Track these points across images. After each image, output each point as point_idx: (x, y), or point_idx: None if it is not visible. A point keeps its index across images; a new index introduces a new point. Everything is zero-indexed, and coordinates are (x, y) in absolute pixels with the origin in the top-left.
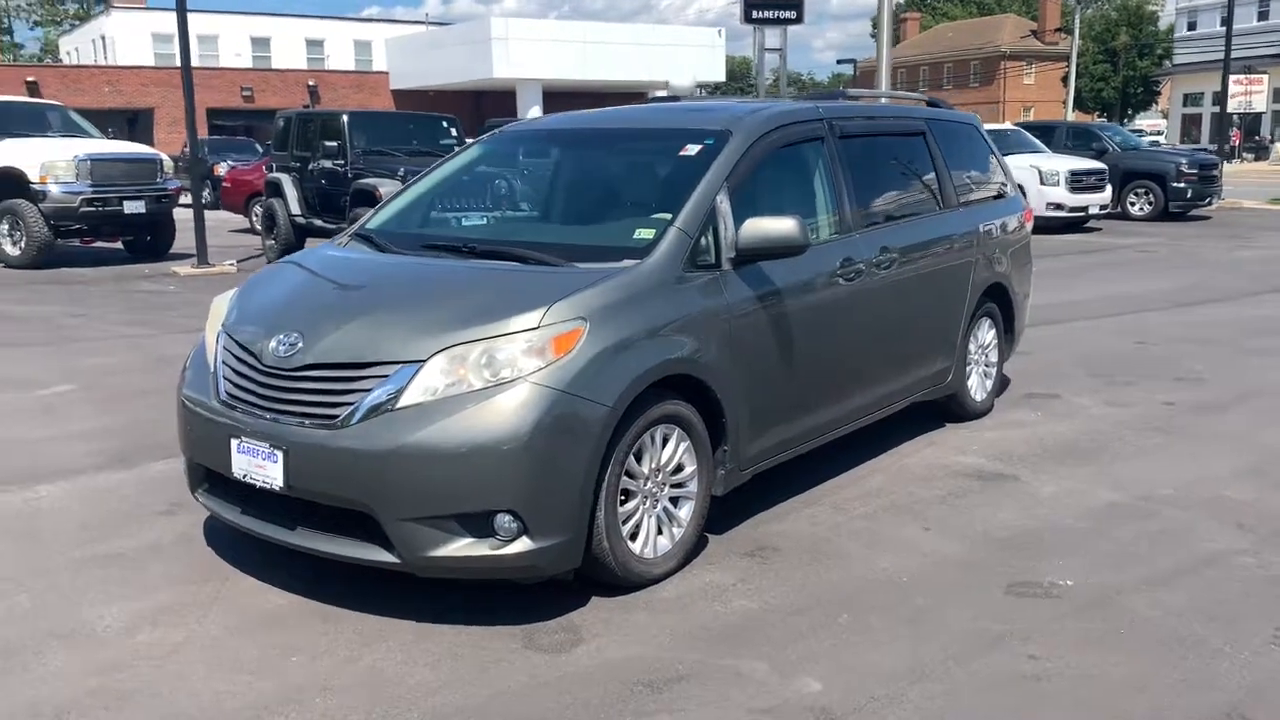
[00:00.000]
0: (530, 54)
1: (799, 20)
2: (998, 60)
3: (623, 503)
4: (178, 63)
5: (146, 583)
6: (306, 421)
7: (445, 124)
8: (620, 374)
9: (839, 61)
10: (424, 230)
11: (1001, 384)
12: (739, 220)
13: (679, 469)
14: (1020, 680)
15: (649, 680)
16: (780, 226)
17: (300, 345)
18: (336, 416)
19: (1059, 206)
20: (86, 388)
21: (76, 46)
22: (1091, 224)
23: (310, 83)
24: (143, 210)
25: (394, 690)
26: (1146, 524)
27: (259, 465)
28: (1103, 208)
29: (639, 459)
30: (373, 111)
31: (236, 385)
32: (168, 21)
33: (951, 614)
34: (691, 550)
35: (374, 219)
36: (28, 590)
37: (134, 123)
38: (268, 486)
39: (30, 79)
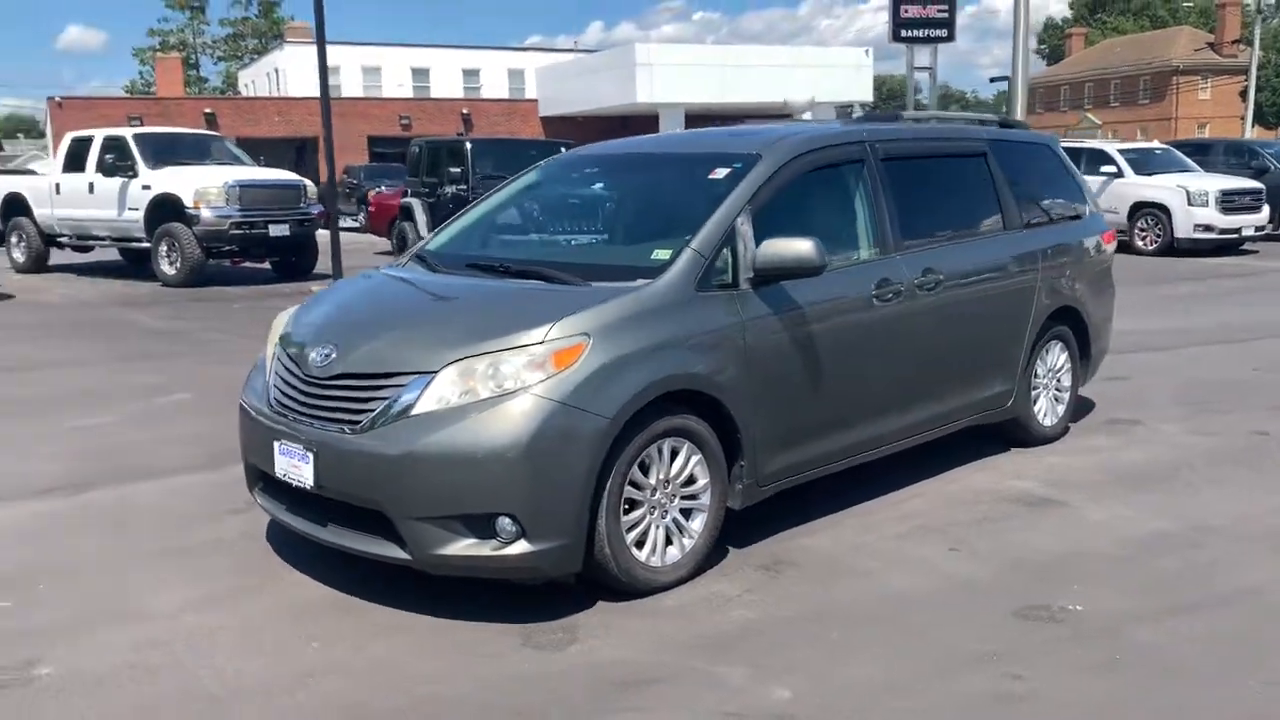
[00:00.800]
0: (672, 79)
1: (950, 38)
2: (1169, 75)
3: (628, 511)
4: (342, 94)
5: (204, 572)
6: (334, 426)
7: (563, 149)
8: (622, 388)
9: (992, 80)
10: (471, 251)
11: (1081, 409)
12: (761, 241)
13: (691, 481)
14: (996, 700)
15: (628, 680)
16: (796, 247)
17: (334, 356)
18: (360, 421)
19: (1208, 228)
20: (201, 396)
21: (253, 79)
22: (1247, 246)
23: (464, 111)
24: (287, 233)
25: (392, 677)
26: (1189, 554)
27: (295, 465)
28: (1259, 229)
29: (646, 470)
30: (494, 138)
31: (283, 393)
32: (334, 55)
33: (948, 634)
34: (705, 561)
35: (433, 240)
36: (100, 576)
37: (301, 150)
38: (302, 485)
39: (208, 110)
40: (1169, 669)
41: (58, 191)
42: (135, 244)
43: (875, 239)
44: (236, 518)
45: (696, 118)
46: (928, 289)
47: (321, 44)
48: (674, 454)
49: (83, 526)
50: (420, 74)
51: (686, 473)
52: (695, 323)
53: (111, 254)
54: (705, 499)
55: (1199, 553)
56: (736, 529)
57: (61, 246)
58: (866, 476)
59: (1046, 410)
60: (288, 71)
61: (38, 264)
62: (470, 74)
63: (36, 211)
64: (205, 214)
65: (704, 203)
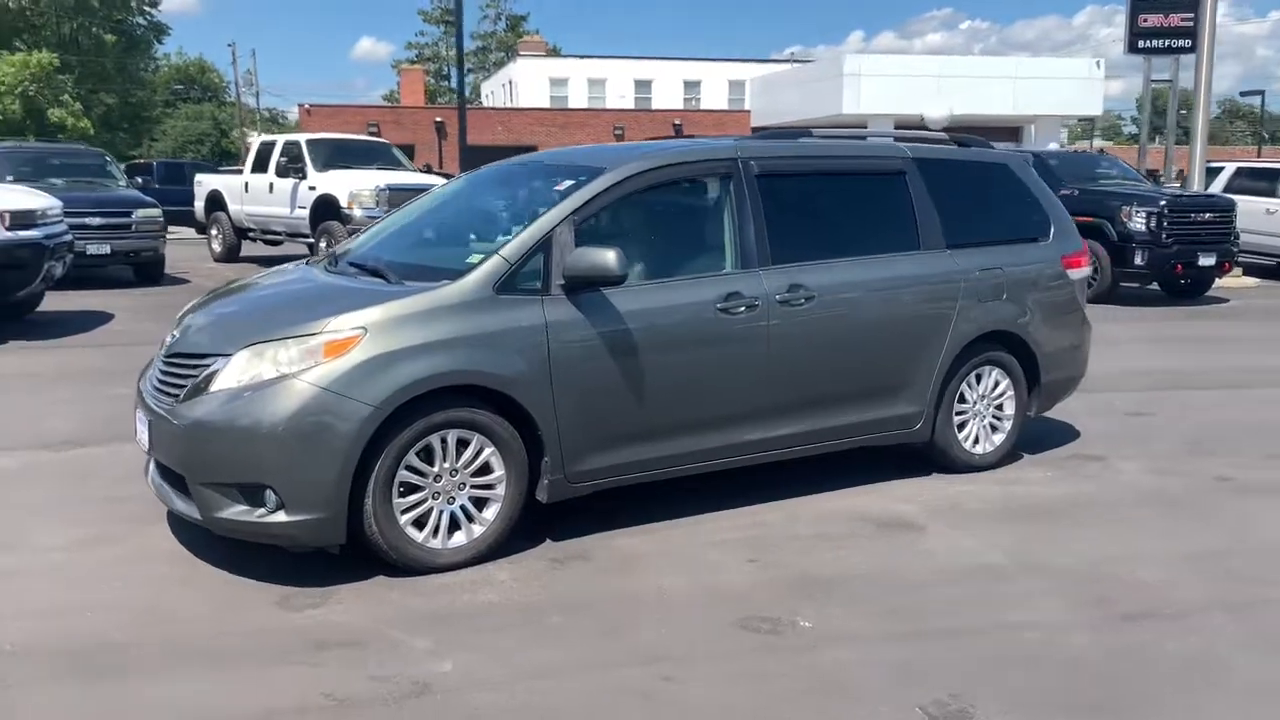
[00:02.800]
0: (881, 89)
1: (1193, 49)
2: None
3: (406, 494)
4: (568, 105)
5: (94, 521)
6: (166, 399)
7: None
8: (392, 378)
9: (1242, 94)
10: (365, 251)
11: (1056, 439)
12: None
13: (486, 471)
14: (630, 694)
15: (327, 641)
16: (598, 257)
17: (177, 337)
18: (178, 395)
19: None
20: None
21: (492, 90)
22: None
23: (676, 122)
24: None
25: (152, 615)
26: (985, 587)
27: (141, 432)
28: None
29: (429, 458)
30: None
31: (153, 369)
32: (563, 67)
33: (652, 633)
34: (501, 548)
35: (352, 241)
36: (8, 512)
37: None
38: (144, 448)
39: (439, 119)
40: (831, 686)
41: (246, 190)
42: (304, 239)
43: (736, 253)
44: None
45: (908, 129)
46: (795, 305)
47: (460, 61)
48: (463, 444)
49: (45, 476)
50: (643, 85)
51: (479, 463)
52: (490, 323)
53: (298, 249)
54: (500, 490)
55: (996, 587)
56: (569, 522)
57: (253, 240)
58: (750, 484)
59: (978, 437)
60: (519, 83)
61: (230, 255)
62: (691, 85)
63: (231, 208)
64: (356, 213)
65: (535, 212)
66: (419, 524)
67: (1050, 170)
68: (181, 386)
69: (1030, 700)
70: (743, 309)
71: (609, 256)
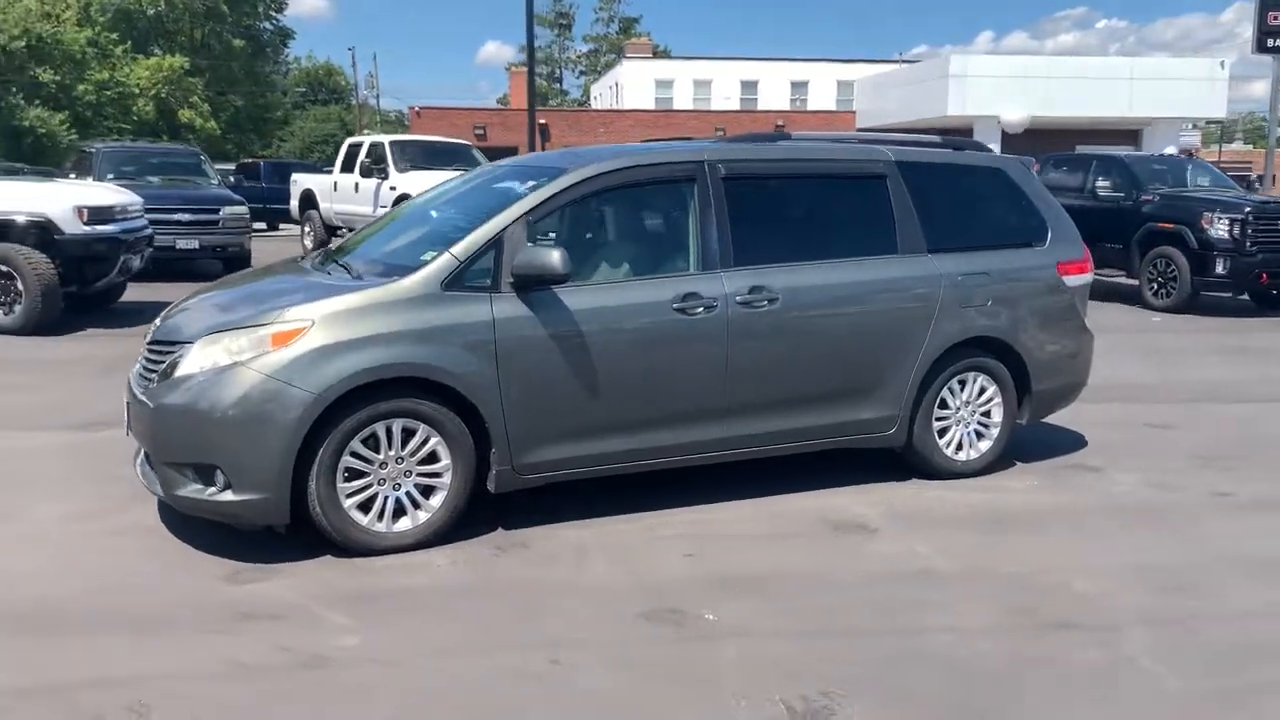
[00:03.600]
0: (988, 91)
1: None
2: None
3: (350, 479)
4: (673, 107)
5: (93, 497)
6: (144, 383)
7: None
8: (335, 368)
9: None
10: (351, 249)
11: (1059, 448)
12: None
13: (433, 460)
14: (515, 675)
15: (253, 614)
16: (542, 256)
17: (158, 324)
18: (152, 380)
19: None
20: None
21: (600, 93)
22: None
23: (779, 123)
24: None
25: (103, 583)
26: (918, 591)
27: (125, 413)
28: None
29: (375, 445)
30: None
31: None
32: (669, 69)
33: (560, 620)
34: (447, 533)
35: (348, 239)
36: (19, 487)
37: None
38: (126, 429)
39: (542, 121)
40: (704, 677)
41: (335, 189)
42: None
43: (698, 255)
44: None
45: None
46: (756, 307)
47: (531, 70)
48: (409, 434)
49: (70, 454)
50: (749, 86)
51: (425, 452)
52: (436, 318)
53: None
54: (447, 478)
55: (925, 592)
56: (527, 512)
57: (340, 237)
58: (721, 481)
59: (962, 444)
60: (625, 85)
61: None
62: (798, 86)
63: (321, 206)
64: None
65: (493, 212)
66: (365, 508)
67: (1133, 176)
68: (154, 371)
69: (907, 702)
70: (700, 310)
71: (553, 256)
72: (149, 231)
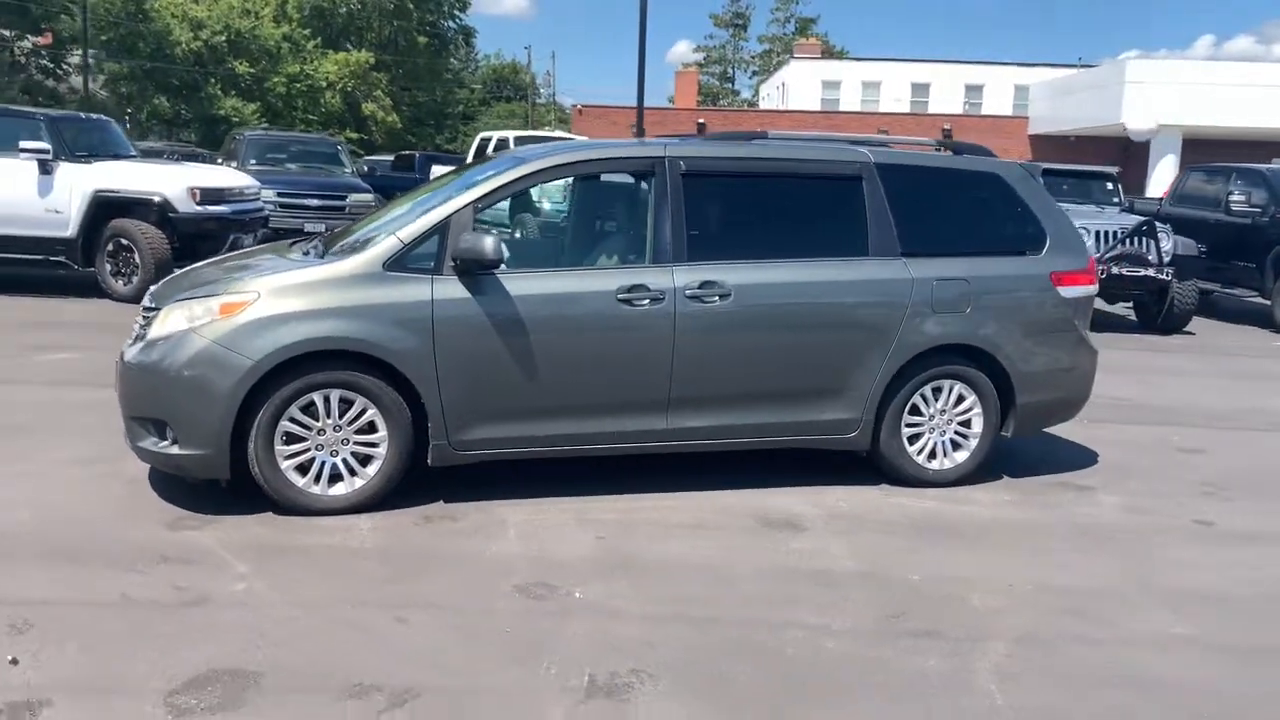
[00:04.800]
0: (1168, 98)
1: None
2: None
3: (289, 442)
4: (839, 108)
5: (106, 445)
6: (129, 342)
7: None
8: (274, 337)
9: None
10: (346, 233)
11: (1065, 463)
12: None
13: (372, 430)
14: (354, 628)
15: (169, 556)
16: (474, 241)
17: (150, 292)
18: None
19: None
20: None
21: (768, 94)
22: None
23: (945, 126)
24: None
25: (55, 519)
26: (804, 590)
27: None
28: None
29: (315, 414)
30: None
31: None
32: (836, 70)
33: (435, 585)
34: (383, 500)
35: (348, 226)
36: (37, 434)
37: None
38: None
39: (700, 120)
40: (534, 647)
41: None
42: (504, 228)
43: (651, 248)
44: None
45: (1199, 142)
46: (707, 302)
47: (641, 65)
48: (346, 404)
49: (104, 408)
50: (920, 89)
51: (363, 422)
52: (375, 296)
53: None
54: (383, 449)
55: (810, 591)
56: (471, 486)
57: None
58: (678, 471)
59: (935, 452)
60: (791, 86)
61: None
62: (973, 89)
63: None
64: (545, 206)
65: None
66: (304, 470)
67: (1273, 190)
68: (140, 334)
69: (712, 687)
70: (646, 301)
71: (485, 241)
72: (264, 213)
